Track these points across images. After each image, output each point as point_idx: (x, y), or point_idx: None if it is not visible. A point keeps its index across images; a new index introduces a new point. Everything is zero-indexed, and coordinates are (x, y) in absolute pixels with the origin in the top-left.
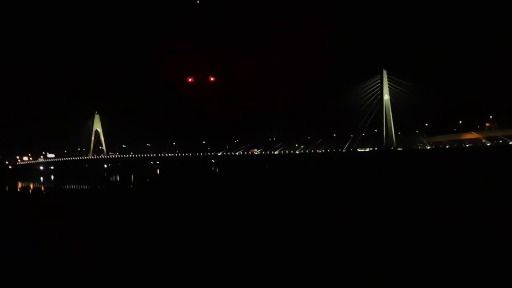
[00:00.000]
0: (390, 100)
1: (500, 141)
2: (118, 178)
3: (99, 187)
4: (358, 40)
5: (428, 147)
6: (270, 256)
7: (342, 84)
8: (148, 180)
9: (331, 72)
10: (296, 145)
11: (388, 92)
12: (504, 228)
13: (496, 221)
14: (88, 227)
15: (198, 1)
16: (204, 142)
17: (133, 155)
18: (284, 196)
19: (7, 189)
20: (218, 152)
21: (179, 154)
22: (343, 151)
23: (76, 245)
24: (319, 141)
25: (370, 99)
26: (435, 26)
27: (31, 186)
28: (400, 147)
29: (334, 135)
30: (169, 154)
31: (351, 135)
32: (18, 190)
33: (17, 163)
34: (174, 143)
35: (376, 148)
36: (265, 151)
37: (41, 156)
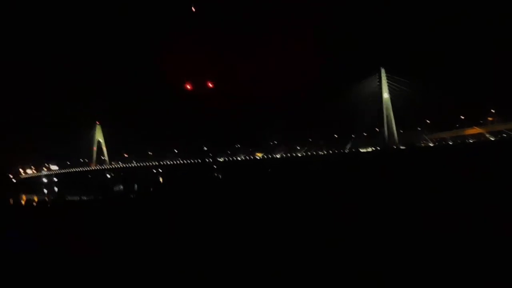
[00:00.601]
0: (390, 98)
1: (504, 135)
2: (122, 187)
3: (104, 197)
4: (357, 39)
5: (431, 144)
6: (273, 259)
7: (342, 84)
8: (151, 189)
9: (331, 72)
10: (298, 147)
11: (387, 90)
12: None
13: (505, 220)
14: (91, 237)
15: (194, 9)
16: (205, 148)
17: (136, 164)
18: (288, 202)
19: (12, 203)
20: (219, 157)
21: (181, 162)
22: (345, 151)
23: (79, 254)
24: (321, 142)
25: (370, 98)
26: (435, 23)
27: (36, 199)
28: (402, 146)
29: (336, 135)
30: (171, 162)
31: (353, 135)
32: (23, 204)
33: (21, 177)
34: (175, 151)
35: (378, 148)
36: (267, 155)
37: (44, 168)
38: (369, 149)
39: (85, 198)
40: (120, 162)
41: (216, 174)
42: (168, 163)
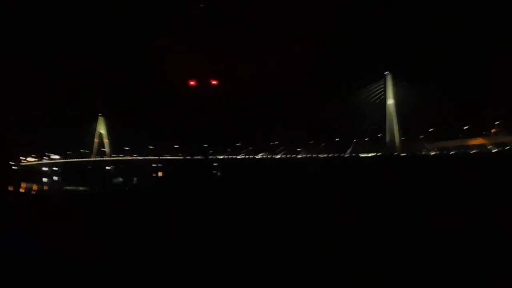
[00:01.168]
0: (395, 104)
1: (507, 148)
2: (121, 180)
3: (103, 189)
4: (363, 43)
5: (433, 153)
6: (271, 258)
7: (345, 87)
8: (150, 182)
9: (334, 74)
10: (298, 149)
11: (392, 96)
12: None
13: (504, 233)
14: (91, 228)
15: (202, 5)
16: (205, 145)
17: (136, 157)
18: (287, 200)
19: (12, 189)
20: (220, 155)
21: (181, 157)
22: (346, 156)
23: (78, 246)
24: (322, 145)
25: (374, 103)
26: (442, 32)
27: (35, 187)
28: (404, 153)
29: (337, 139)
30: (171, 157)
31: (354, 140)
32: (23, 190)
33: (21, 164)
34: (176, 146)
35: (379, 154)
36: (267, 155)
37: (45, 158)
38: (370, 155)
39: (83, 188)
40: (120, 155)
41: (215, 172)
42: (168, 158)
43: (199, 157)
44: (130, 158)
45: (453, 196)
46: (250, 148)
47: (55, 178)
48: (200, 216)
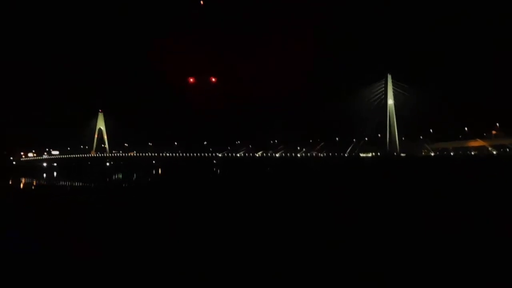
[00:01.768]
0: (395, 105)
1: (507, 149)
2: (120, 176)
3: (102, 185)
4: (363, 43)
5: (432, 154)
6: (270, 256)
7: (345, 87)
8: (150, 179)
9: (335, 74)
10: (298, 147)
11: (392, 97)
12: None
13: (500, 233)
14: (89, 226)
15: (202, 2)
16: (205, 142)
17: (135, 154)
18: (285, 198)
19: (10, 183)
20: (219, 153)
21: (181, 154)
22: (345, 155)
23: (77, 243)
24: (321, 144)
25: (374, 104)
26: (442, 33)
27: (34, 183)
28: (403, 153)
29: (337, 138)
30: (170, 154)
31: (354, 139)
32: (22, 186)
33: (21, 159)
34: (175, 143)
35: (378, 154)
36: (267, 154)
37: (45, 153)
38: (369, 155)
39: (82, 184)
40: (120, 151)
41: (214, 169)
42: (168, 155)
43: (198, 154)
44: (130, 154)
45: (453, 196)
46: (249, 145)
47: (54, 173)
48: (199, 213)
